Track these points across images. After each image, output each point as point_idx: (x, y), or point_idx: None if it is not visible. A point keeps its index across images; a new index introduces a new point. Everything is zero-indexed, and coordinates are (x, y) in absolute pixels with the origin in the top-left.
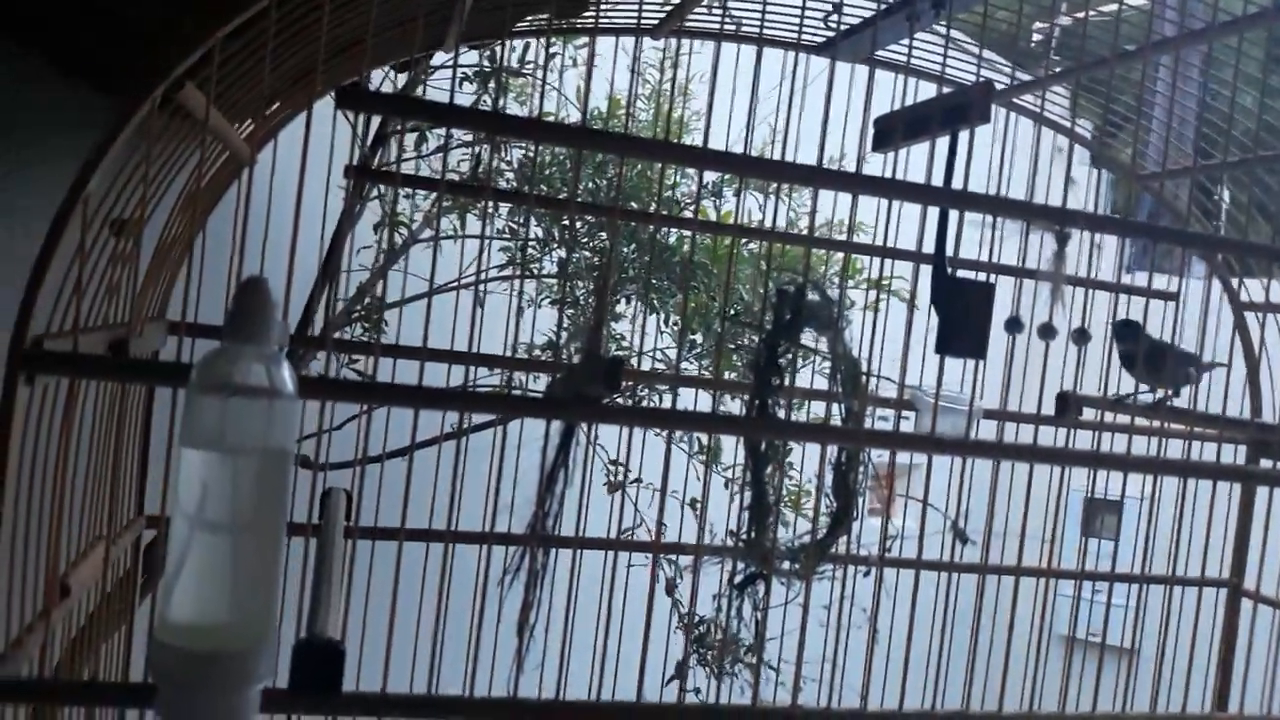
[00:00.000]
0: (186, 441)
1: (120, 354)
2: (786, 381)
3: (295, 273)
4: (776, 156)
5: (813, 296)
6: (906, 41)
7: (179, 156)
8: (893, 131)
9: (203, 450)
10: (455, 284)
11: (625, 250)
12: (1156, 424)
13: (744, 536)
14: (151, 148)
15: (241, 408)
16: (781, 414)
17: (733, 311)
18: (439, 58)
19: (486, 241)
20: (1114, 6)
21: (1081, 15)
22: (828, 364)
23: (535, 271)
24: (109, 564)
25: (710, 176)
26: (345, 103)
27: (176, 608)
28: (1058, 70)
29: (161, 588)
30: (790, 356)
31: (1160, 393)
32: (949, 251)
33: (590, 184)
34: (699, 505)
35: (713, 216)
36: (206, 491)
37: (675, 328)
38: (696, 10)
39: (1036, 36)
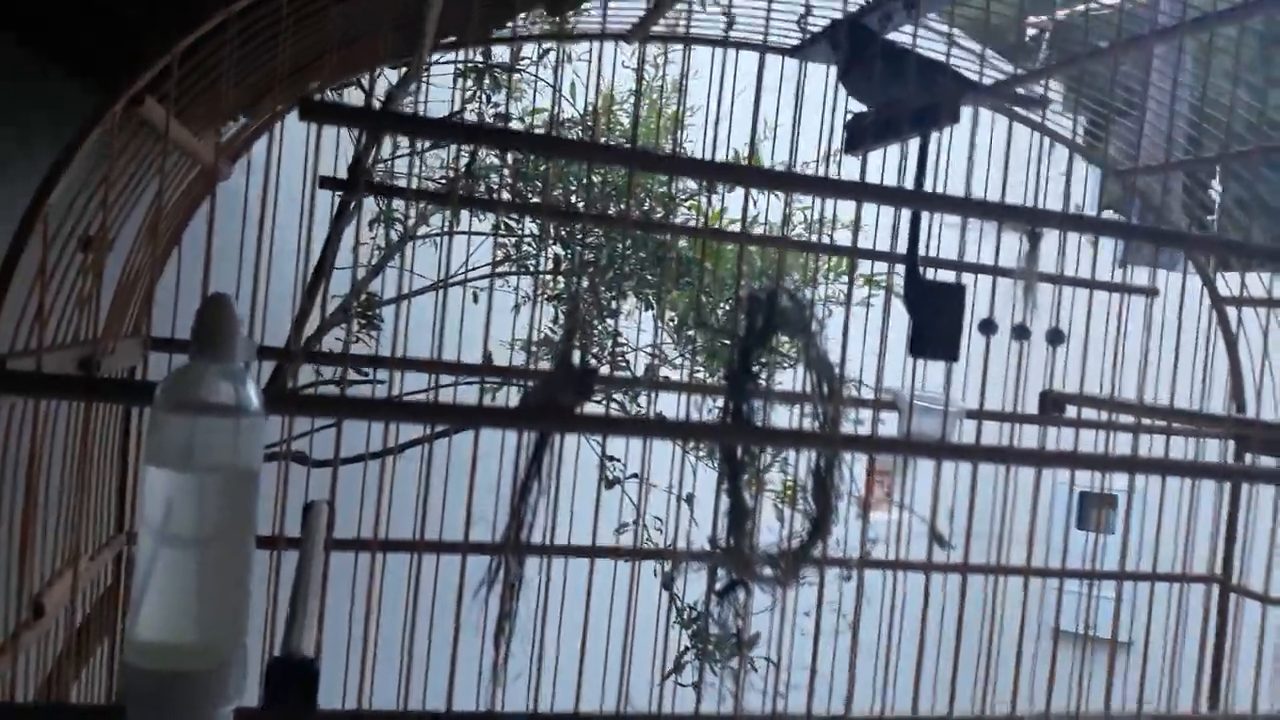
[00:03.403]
0: (152, 460)
1: (88, 372)
2: (762, 387)
3: (273, 284)
4: (761, 157)
5: (784, 302)
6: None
7: (146, 170)
8: (864, 133)
9: (168, 469)
10: (441, 283)
11: (620, 246)
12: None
13: (723, 543)
14: (113, 163)
15: (207, 426)
16: (758, 420)
17: (725, 307)
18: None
19: (477, 243)
20: (1089, 4)
21: (1063, 14)
22: (803, 369)
23: (531, 269)
24: (86, 583)
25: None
26: (308, 115)
27: (144, 628)
28: (1036, 69)
29: (130, 608)
30: (764, 362)
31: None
32: (921, 250)
33: (583, 180)
34: (693, 500)
35: (706, 211)
36: (173, 510)
37: (671, 324)
38: (671, 14)
39: (1031, 31)
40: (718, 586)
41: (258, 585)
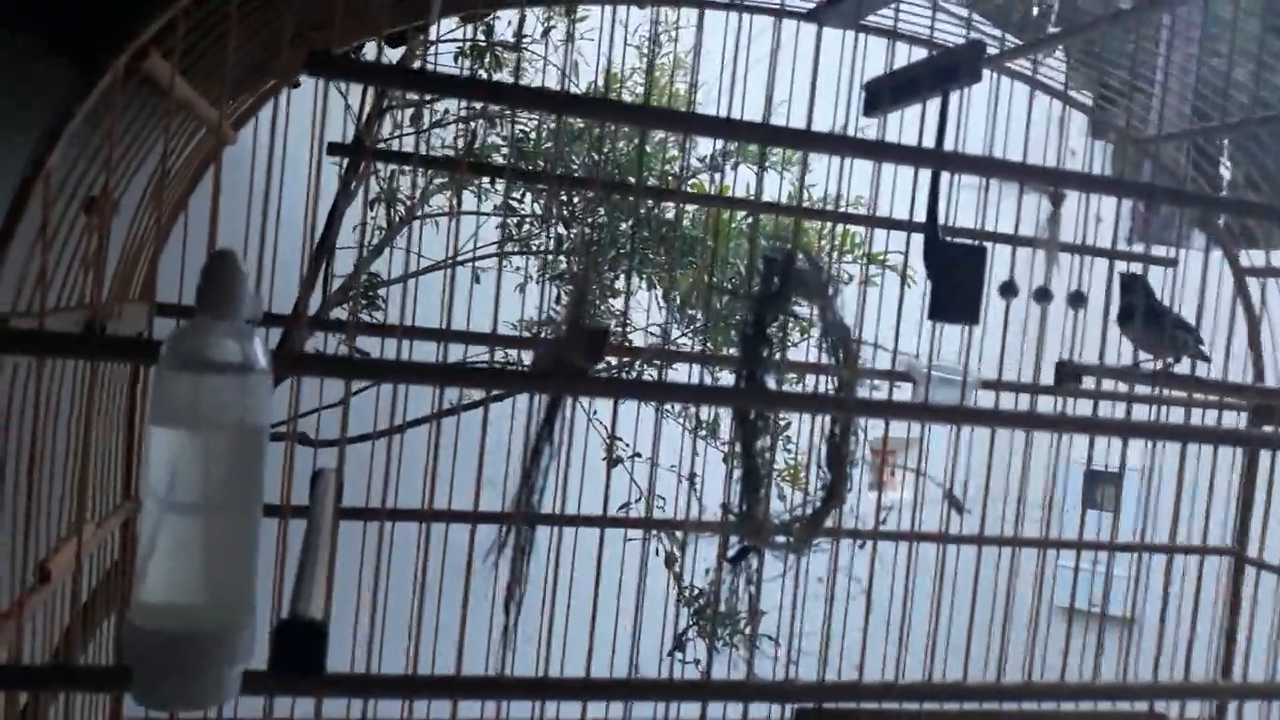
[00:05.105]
0: (157, 419)
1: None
2: (776, 351)
3: (280, 252)
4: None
5: (801, 264)
6: (894, 6)
7: (151, 131)
8: (882, 95)
9: (174, 428)
10: (448, 262)
11: (622, 225)
12: (1157, 392)
13: (736, 510)
14: (115, 121)
15: (213, 383)
16: (771, 384)
17: (728, 285)
18: (434, 33)
19: (481, 219)
20: None
21: None
22: (818, 332)
23: (534, 248)
24: (94, 549)
25: (706, 150)
26: (317, 69)
27: (150, 589)
28: (1051, 34)
29: (136, 570)
30: (779, 325)
31: (1158, 361)
32: (941, 217)
33: (586, 158)
34: (697, 479)
35: (711, 191)
36: (179, 470)
37: (673, 302)
38: None
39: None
40: (730, 553)
41: (265, 554)
